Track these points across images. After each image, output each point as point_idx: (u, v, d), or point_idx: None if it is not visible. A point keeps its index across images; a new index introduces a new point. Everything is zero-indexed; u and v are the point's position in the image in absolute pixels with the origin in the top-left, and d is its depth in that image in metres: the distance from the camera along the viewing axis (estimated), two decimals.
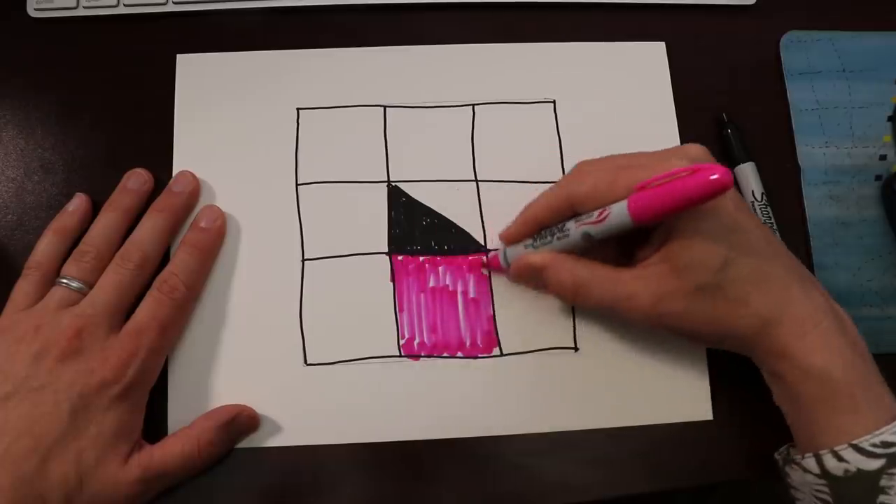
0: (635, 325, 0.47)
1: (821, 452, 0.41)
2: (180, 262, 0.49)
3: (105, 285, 0.47)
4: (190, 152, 0.54)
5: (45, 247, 0.49)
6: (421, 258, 0.53)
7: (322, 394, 0.50)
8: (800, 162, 0.56)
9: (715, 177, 0.37)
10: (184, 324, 0.50)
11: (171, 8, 0.57)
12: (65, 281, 0.48)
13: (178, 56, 0.56)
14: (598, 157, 0.47)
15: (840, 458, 0.40)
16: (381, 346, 0.51)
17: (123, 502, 0.45)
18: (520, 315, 0.52)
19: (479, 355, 0.51)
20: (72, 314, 0.46)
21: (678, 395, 0.51)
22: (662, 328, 0.45)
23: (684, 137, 0.55)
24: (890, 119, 0.57)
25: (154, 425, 0.48)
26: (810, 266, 0.54)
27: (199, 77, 0.56)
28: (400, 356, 0.51)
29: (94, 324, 0.46)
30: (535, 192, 0.50)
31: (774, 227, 0.53)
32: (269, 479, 0.49)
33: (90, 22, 0.57)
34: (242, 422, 0.49)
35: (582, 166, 0.46)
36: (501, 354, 0.51)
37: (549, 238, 0.46)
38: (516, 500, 0.49)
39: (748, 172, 0.54)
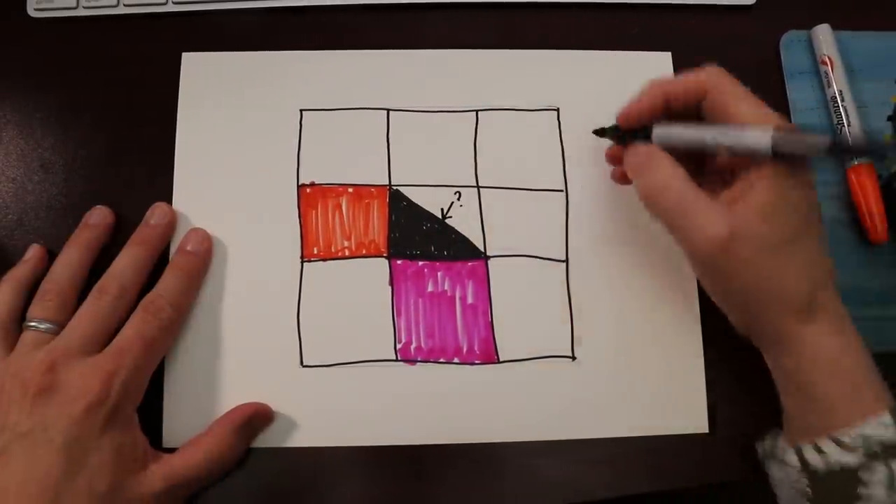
0: (692, 257, 0.42)
1: (801, 446, 0.41)
2: (167, 284, 0.47)
3: (80, 317, 0.45)
4: (192, 150, 0.52)
5: (0, 298, 0.47)
6: (420, 263, 0.50)
7: (317, 396, 0.48)
8: None
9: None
10: (169, 346, 0.47)
11: (171, 8, 0.54)
12: (32, 324, 0.45)
13: (183, 54, 0.53)
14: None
15: (820, 451, 0.40)
16: (378, 350, 0.49)
17: None
18: (518, 322, 0.49)
19: (476, 361, 0.49)
20: (44, 350, 0.43)
21: (675, 406, 0.49)
22: (715, 270, 0.42)
23: None
24: (890, 119, 0.54)
25: (154, 426, 0.47)
26: None
27: (203, 76, 0.53)
28: (396, 360, 0.49)
29: (67, 355, 0.42)
30: (537, 199, 0.50)
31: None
32: (265, 480, 0.47)
33: (90, 22, 0.54)
34: (259, 419, 0.47)
35: (722, 70, 0.44)
36: (498, 361, 0.49)
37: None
38: (516, 501, 0.47)
39: None
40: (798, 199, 0.40)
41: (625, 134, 0.46)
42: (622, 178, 0.49)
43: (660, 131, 0.44)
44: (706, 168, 0.45)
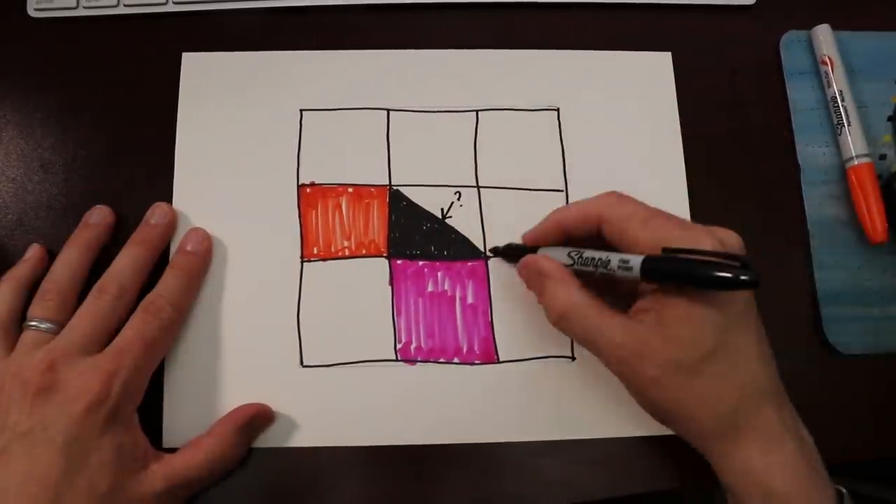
0: (606, 366, 0.42)
1: None
2: (167, 284, 0.47)
3: (80, 317, 0.44)
4: (192, 150, 0.51)
5: (0, 298, 0.46)
6: (420, 263, 0.50)
7: (317, 396, 0.48)
8: (800, 162, 0.53)
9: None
10: (169, 346, 0.47)
11: (171, 8, 0.54)
12: (33, 323, 0.44)
13: (184, 54, 0.53)
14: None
15: None
16: (378, 350, 0.49)
17: None
18: (518, 322, 0.49)
19: (476, 361, 0.49)
20: (44, 350, 0.43)
21: None
22: (628, 383, 0.41)
23: (684, 137, 0.53)
24: (890, 119, 0.54)
25: (154, 426, 0.46)
26: (810, 266, 0.51)
27: (203, 76, 0.53)
28: (396, 360, 0.48)
29: (67, 354, 0.42)
30: (537, 199, 0.50)
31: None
32: (265, 480, 0.47)
33: (90, 22, 0.54)
34: (260, 419, 0.47)
35: (620, 195, 0.43)
36: (498, 361, 0.49)
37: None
38: (516, 501, 0.47)
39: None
40: (705, 322, 0.38)
41: (513, 253, 0.48)
42: None
43: (542, 253, 0.45)
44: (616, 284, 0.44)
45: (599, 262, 0.41)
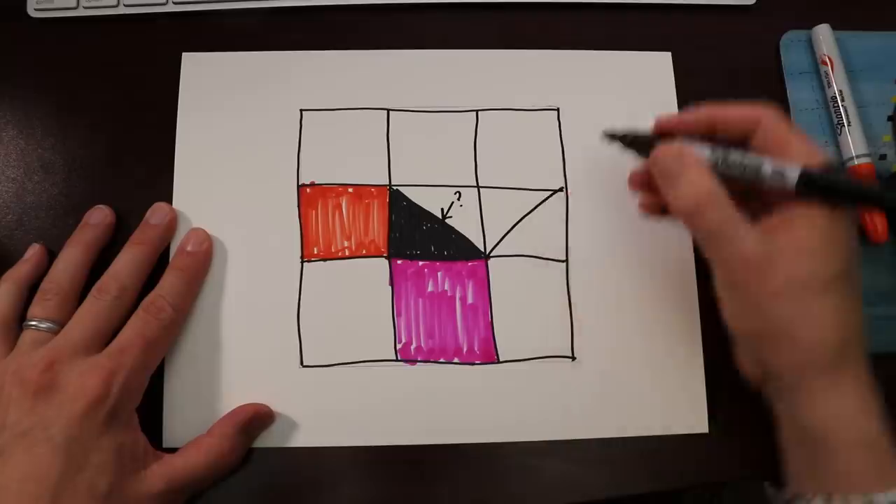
0: (723, 276, 0.40)
1: (832, 497, 0.38)
2: (167, 284, 0.46)
3: (80, 316, 0.44)
4: (192, 150, 0.51)
5: (1, 297, 0.46)
6: (420, 263, 0.50)
7: (317, 396, 0.48)
8: None
9: None
10: (169, 346, 0.47)
11: (171, 8, 0.54)
12: (33, 323, 0.44)
13: (184, 54, 0.53)
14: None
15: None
16: (378, 350, 0.48)
17: None
18: (518, 322, 0.49)
19: (476, 362, 0.48)
20: (44, 349, 0.42)
21: (674, 406, 0.48)
22: (745, 295, 0.40)
23: None
24: (890, 119, 0.54)
25: (154, 426, 0.46)
26: None
27: (203, 76, 0.53)
28: (397, 360, 0.48)
29: (67, 354, 0.42)
30: (537, 199, 0.50)
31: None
32: (265, 480, 0.47)
33: (90, 22, 0.54)
34: (260, 419, 0.47)
35: (777, 111, 0.41)
36: (498, 361, 0.48)
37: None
38: (516, 501, 0.47)
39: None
40: (838, 244, 0.38)
41: (637, 142, 0.44)
42: (651, 211, 0.47)
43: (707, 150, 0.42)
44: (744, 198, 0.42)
45: (748, 168, 0.39)
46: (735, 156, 0.40)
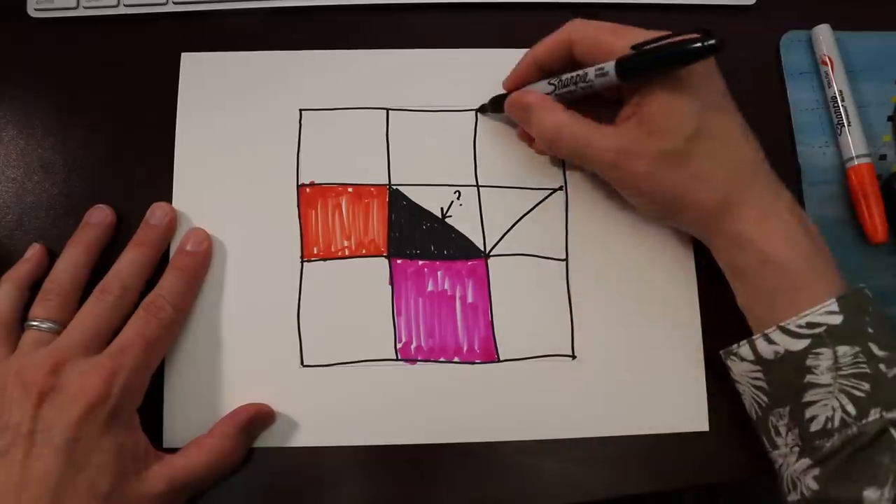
0: (603, 174, 0.45)
1: (753, 338, 0.42)
2: (167, 284, 0.47)
3: (82, 317, 0.44)
4: (192, 150, 0.51)
5: (2, 297, 0.46)
6: (420, 262, 0.50)
7: (317, 396, 0.48)
8: (800, 162, 0.53)
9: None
10: (169, 345, 0.47)
11: (171, 8, 0.54)
12: (34, 323, 0.44)
13: (183, 54, 0.53)
14: None
15: (770, 341, 0.41)
16: (378, 350, 0.49)
17: None
18: (518, 321, 0.49)
19: (476, 361, 0.49)
20: (45, 350, 0.43)
21: (675, 405, 0.48)
22: (622, 185, 0.44)
23: None
24: (890, 119, 0.54)
25: (155, 426, 0.46)
26: None
27: (202, 76, 0.53)
28: (397, 360, 0.48)
29: (68, 355, 0.42)
30: (537, 198, 0.50)
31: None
32: (265, 480, 0.47)
33: (90, 22, 0.54)
34: (261, 419, 0.47)
35: (581, 20, 0.45)
36: (498, 360, 0.49)
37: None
38: (516, 500, 0.47)
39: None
40: (682, 108, 0.41)
41: (497, 103, 0.50)
42: (540, 150, 0.50)
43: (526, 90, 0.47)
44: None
45: (577, 78, 0.43)
46: (566, 75, 0.45)
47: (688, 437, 0.48)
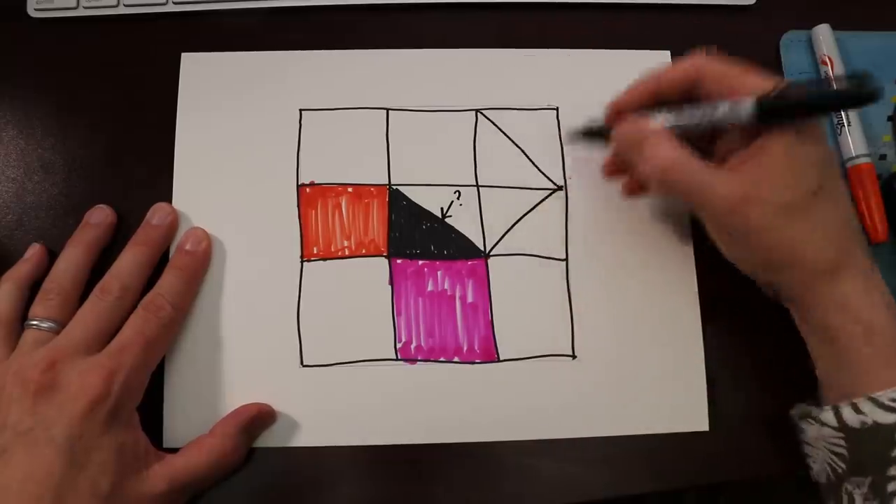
0: (711, 220, 0.42)
1: (839, 405, 0.40)
2: (166, 283, 0.47)
3: (82, 316, 0.44)
4: (192, 150, 0.51)
5: (2, 297, 0.46)
6: (420, 262, 0.50)
7: (317, 396, 0.48)
8: None
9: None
10: (169, 345, 0.47)
11: (171, 8, 0.54)
12: (34, 322, 0.44)
13: (183, 54, 0.53)
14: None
15: (858, 411, 0.39)
16: (378, 350, 0.48)
17: None
18: (518, 321, 0.49)
19: (476, 360, 0.48)
20: (45, 349, 0.42)
21: (675, 405, 0.48)
22: (734, 234, 0.42)
23: None
24: (890, 119, 0.54)
25: (155, 426, 0.46)
26: None
27: (203, 76, 0.53)
28: (397, 360, 0.48)
29: (68, 353, 0.42)
30: (537, 198, 0.50)
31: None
32: (265, 480, 0.47)
33: (90, 22, 0.54)
34: (262, 419, 0.47)
35: (706, 56, 0.43)
36: (498, 360, 0.48)
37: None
38: (516, 500, 0.47)
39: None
40: (810, 160, 0.39)
41: (597, 132, 0.47)
42: (632, 191, 0.49)
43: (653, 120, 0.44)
44: (713, 148, 0.45)
45: (704, 115, 0.41)
46: (688, 110, 0.42)
47: (688, 437, 0.47)
